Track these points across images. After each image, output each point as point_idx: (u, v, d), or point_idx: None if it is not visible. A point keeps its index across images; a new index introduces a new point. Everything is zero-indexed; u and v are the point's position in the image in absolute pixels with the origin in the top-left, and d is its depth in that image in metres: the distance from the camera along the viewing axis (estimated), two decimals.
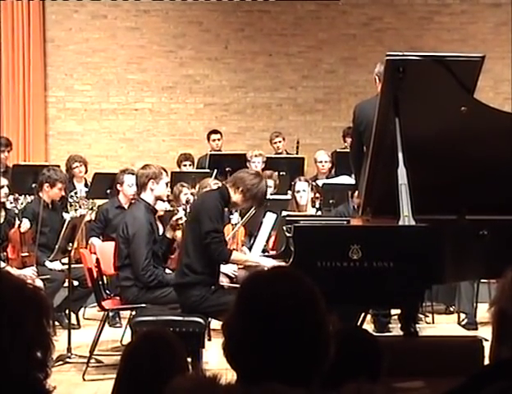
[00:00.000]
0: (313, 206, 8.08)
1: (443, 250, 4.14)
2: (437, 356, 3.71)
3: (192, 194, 7.96)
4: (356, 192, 6.58)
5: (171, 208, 7.20)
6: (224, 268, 6.00)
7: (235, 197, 5.25)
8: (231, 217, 7.82)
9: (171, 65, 11.51)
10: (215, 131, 10.51)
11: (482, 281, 7.03)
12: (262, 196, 5.34)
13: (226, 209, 8.21)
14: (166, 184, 6.16)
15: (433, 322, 7.46)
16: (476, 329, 7.08)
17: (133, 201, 6.57)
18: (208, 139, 10.42)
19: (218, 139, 10.37)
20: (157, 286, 5.69)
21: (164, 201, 6.51)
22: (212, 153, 9.71)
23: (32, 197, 7.91)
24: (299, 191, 7.77)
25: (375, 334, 5.46)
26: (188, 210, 6.41)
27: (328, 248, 4.11)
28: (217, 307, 4.94)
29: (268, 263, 5.05)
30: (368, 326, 6.39)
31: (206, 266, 5.14)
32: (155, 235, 5.91)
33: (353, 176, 6.65)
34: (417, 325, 4.86)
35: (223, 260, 5.25)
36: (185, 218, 5.86)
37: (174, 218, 5.93)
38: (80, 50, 11.39)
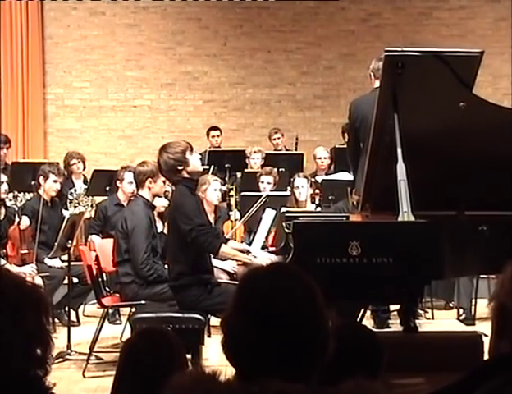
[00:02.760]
0: (313, 202, 8.08)
1: (442, 246, 4.14)
2: (437, 352, 3.72)
3: None
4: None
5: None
6: (223, 265, 5.99)
7: (188, 170, 5.15)
8: (231, 213, 7.83)
9: (169, 62, 11.50)
10: (214, 128, 10.52)
11: (482, 276, 7.04)
12: (179, 144, 5.21)
13: (226, 204, 8.26)
14: (164, 181, 6.15)
15: (433, 318, 7.47)
16: (473, 324, 7.11)
17: (132, 198, 6.58)
18: (208, 135, 10.43)
19: (217, 136, 10.38)
20: (157, 282, 5.69)
21: (161, 197, 6.51)
22: (212, 149, 9.71)
23: (31, 194, 7.92)
24: (298, 187, 7.77)
25: (374, 330, 5.47)
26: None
27: (327, 244, 4.11)
28: (215, 305, 4.93)
29: (260, 259, 5.01)
30: (368, 322, 6.39)
31: (197, 266, 5.10)
32: (154, 231, 5.91)
33: (351, 172, 6.65)
34: (416, 320, 4.87)
35: (212, 251, 5.10)
36: None
37: None
38: (79, 47, 11.39)
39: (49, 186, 7.34)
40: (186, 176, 5.18)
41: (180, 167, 5.14)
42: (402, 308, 4.70)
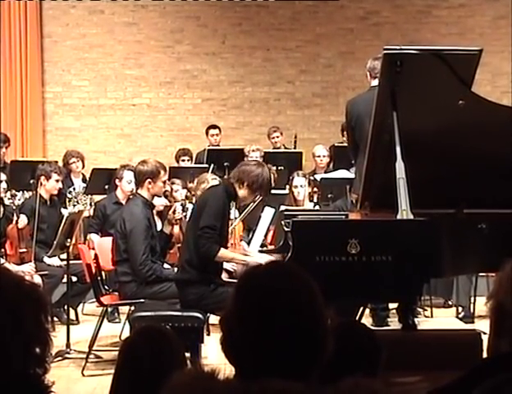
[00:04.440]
0: (311, 201, 8.08)
1: (441, 244, 4.15)
2: (436, 350, 3.72)
3: (188, 189, 7.95)
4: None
5: (170, 204, 7.20)
6: (224, 263, 5.99)
7: (242, 192, 5.24)
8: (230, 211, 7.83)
9: (168, 60, 11.49)
10: (213, 126, 10.52)
11: (480, 274, 7.04)
12: (268, 184, 5.33)
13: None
14: (164, 182, 6.14)
15: (432, 316, 7.47)
16: (472, 322, 7.12)
17: (131, 196, 6.58)
18: (207, 134, 10.42)
19: (216, 135, 10.38)
20: (156, 281, 5.69)
21: (160, 196, 6.51)
22: (210, 148, 9.71)
23: (30, 193, 7.91)
24: (296, 186, 7.76)
25: (373, 328, 5.47)
26: (186, 206, 6.42)
27: (327, 242, 4.11)
28: (215, 304, 4.94)
29: (258, 259, 5.03)
30: (367, 320, 6.39)
31: (206, 262, 5.13)
32: (153, 230, 5.91)
33: (352, 170, 6.65)
34: (415, 318, 4.87)
35: (209, 256, 5.14)
36: (180, 214, 5.88)
37: (170, 212, 5.96)
38: (78, 45, 11.38)
39: (52, 186, 7.35)
40: (237, 191, 5.22)
41: (245, 184, 5.21)
42: (401, 306, 4.70)
